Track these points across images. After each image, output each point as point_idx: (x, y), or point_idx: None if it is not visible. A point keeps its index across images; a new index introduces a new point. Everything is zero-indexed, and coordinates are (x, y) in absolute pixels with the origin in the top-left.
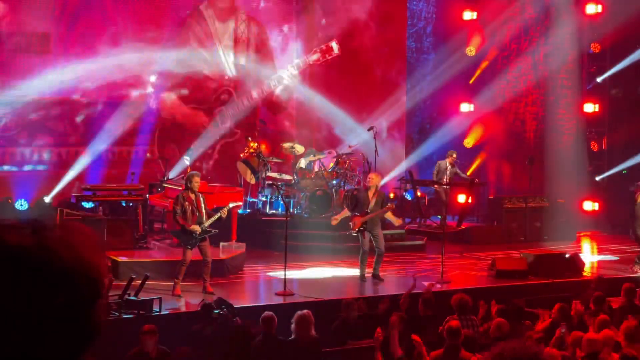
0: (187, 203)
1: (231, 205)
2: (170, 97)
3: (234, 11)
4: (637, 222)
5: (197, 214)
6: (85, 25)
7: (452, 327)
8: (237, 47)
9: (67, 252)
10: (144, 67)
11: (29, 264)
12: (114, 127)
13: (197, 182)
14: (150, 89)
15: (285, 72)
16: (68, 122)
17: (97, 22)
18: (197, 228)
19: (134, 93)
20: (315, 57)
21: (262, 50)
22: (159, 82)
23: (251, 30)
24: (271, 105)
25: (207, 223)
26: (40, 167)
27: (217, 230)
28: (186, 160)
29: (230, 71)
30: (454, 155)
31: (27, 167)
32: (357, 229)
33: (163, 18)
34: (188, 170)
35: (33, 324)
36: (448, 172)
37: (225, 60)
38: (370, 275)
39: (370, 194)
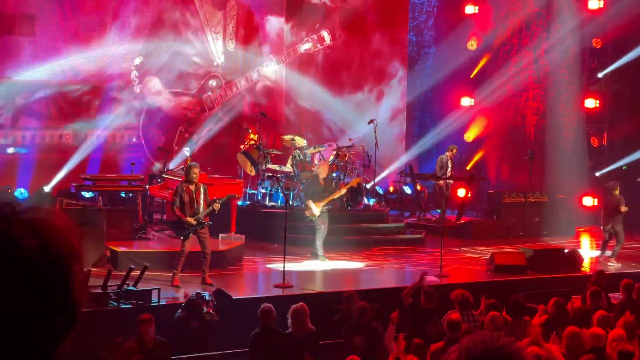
0: (185, 194)
1: (226, 197)
2: (154, 82)
3: None
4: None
5: (195, 205)
6: (71, 7)
7: (452, 320)
8: (226, 33)
9: (30, 237)
10: (130, 51)
11: None
12: (99, 111)
13: (195, 173)
14: (134, 73)
15: (269, 65)
16: (53, 106)
17: (84, 5)
18: (191, 220)
19: (119, 77)
20: (307, 46)
21: (252, 37)
22: (144, 66)
23: (241, 17)
24: (257, 97)
25: (202, 214)
26: (23, 150)
27: (211, 222)
28: (186, 152)
29: (218, 58)
30: (454, 150)
31: (9, 150)
32: (319, 212)
33: (152, 2)
34: (188, 161)
35: None
36: (450, 166)
37: (214, 47)
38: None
39: (322, 179)
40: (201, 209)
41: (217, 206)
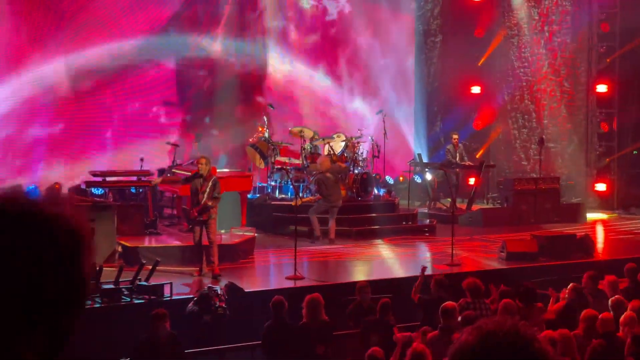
0: (194, 185)
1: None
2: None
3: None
4: None
5: (197, 198)
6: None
7: (446, 308)
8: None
9: (49, 208)
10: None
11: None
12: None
13: (201, 164)
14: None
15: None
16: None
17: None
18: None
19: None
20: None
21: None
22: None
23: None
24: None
25: (198, 209)
26: None
27: (201, 218)
28: (195, 146)
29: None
30: (455, 137)
31: None
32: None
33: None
34: (198, 155)
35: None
36: (457, 154)
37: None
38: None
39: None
40: (201, 203)
41: (209, 202)
